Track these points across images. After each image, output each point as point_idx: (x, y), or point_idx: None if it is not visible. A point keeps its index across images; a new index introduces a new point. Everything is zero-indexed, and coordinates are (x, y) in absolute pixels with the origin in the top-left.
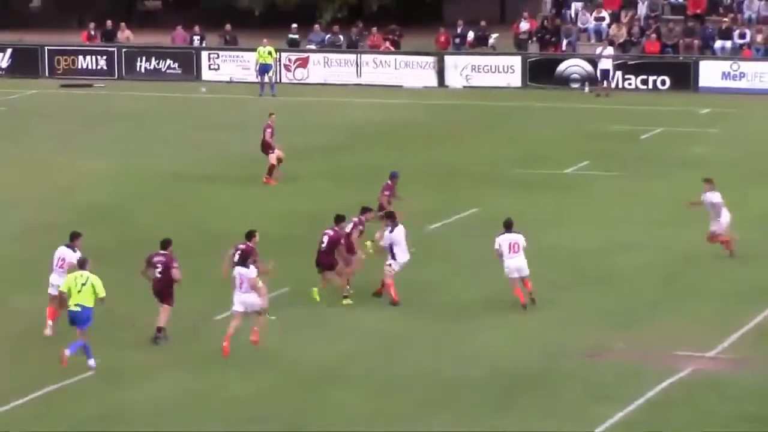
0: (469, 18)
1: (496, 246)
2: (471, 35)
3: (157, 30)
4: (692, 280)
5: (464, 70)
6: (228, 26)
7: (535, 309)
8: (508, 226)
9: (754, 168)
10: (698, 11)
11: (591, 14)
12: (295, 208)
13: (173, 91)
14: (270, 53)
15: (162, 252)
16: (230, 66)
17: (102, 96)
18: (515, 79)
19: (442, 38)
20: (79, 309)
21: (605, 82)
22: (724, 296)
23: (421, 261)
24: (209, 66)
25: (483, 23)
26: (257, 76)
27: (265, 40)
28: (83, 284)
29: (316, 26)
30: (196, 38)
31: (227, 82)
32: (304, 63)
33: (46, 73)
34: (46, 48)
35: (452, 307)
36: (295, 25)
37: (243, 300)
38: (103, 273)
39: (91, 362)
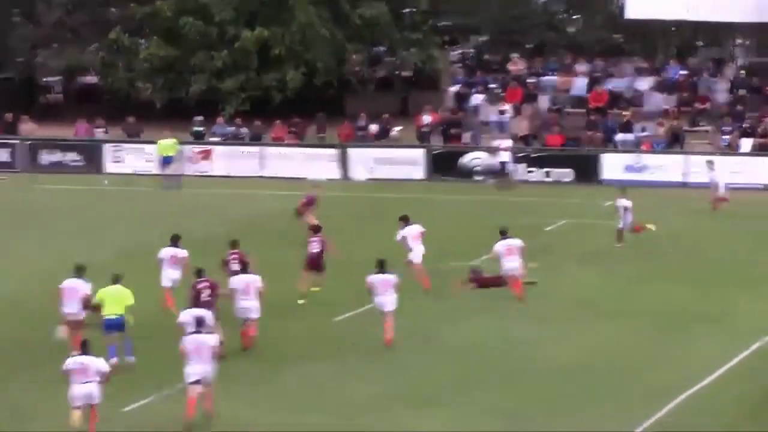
0: (372, 111)
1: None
2: (374, 128)
3: (60, 122)
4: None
5: (368, 162)
6: (131, 118)
7: None
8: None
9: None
10: (600, 105)
11: (493, 107)
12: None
13: (77, 183)
14: (172, 146)
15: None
16: (133, 158)
17: (3, 188)
18: (419, 172)
19: (346, 130)
20: (117, 316)
21: (505, 174)
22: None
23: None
24: (113, 158)
25: (385, 116)
26: (160, 169)
27: (166, 132)
28: (116, 295)
29: (220, 119)
30: (99, 130)
31: (104, 184)
32: (207, 155)
33: None
34: None
35: None
36: (199, 117)
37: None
38: None
39: (131, 359)
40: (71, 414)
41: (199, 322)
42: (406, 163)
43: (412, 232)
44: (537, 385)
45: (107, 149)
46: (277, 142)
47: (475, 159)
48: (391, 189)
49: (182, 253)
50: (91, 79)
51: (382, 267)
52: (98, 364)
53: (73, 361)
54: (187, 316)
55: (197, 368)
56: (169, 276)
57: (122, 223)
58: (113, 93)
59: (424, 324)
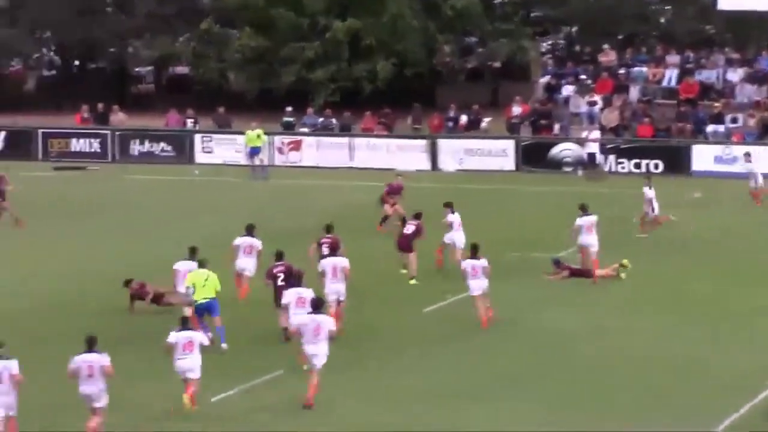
0: (462, 102)
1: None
2: (464, 119)
3: (151, 113)
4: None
5: (457, 153)
6: (221, 109)
7: None
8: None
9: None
10: (690, 96)
11: (583, 98)
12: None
13: (166, 173)
14: (259, 136)
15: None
16: (223, 149)
17: (94, 178)
18: (508, 163)
19: (435, 121)
20: (209, 300)
21: (595, 166)
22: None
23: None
24: (202, 149)
25: (475, 107)
26: (247, 160)
27: (253, 123)
28: (206, 280)
29: (310, 110)
30: (190, 121)
31: (220, 163)
32: (297, 146)
33: (40, 156)
34: (39, 131)
35: None
36: (289, 108)
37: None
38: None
39: (224, 346)
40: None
41: (316, 304)
42: (496, 154)
43: (457, 219)
44: (618, 377)
45: (197, 140)
46: (367, 133)
47: (564, 150)
48: (481, 180)
49: (257, 243)
50: (182, 69)
51: (475, 252)
52: (201, 338)
53: (177, 336)
54: (293, 295)
55: (313, 348)
56: (243, 265)
57: (210, 213)
58: (204, 83)
59: (509, 312)
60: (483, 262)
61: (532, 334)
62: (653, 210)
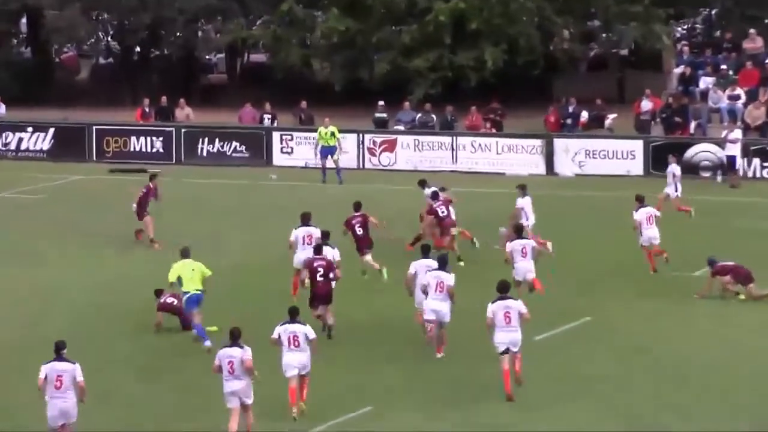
0: (583, 96)
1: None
2: (584, 115)
3: (222, 107)
4: None
5: (577, 155)
6: (304, 103)
7: None
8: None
9: None
10: None
11: (724, 92)
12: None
13: (239, 177)
14: (333, 134)
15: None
16: (305, 149)
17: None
18: (636, 166)
19: (552, 118)
20: (199, 292)
21: (735, 170)
22: None
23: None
24: (281, 149)
25: (598, 102)
26: (318, 161)
27: (326, 119)
28: (192, 270)
29: (406, 104)
30: (267, 117)
31: (302, 167)
32: (390, 146)
33: (94, 157)
34: (93, 127)
35: None
36: (382, 102)
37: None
38: None
39: (208, 344)
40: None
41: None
42: (622, 156)
43: (647, 212)
44: None
45: (276, 138)
46: (473, 131)
47: (702, 152)
48: (604, 186)
49: (316, 231)
50: (259, 57)
51: (519, 233)
52: (307, 331)
53: (284, 329)
54: (432, 279)
55: (503, 336)
56: (300, 258)
57: (283, 221)
58: (284, 73)
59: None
60: (531, 242)
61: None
62: (679, 188)
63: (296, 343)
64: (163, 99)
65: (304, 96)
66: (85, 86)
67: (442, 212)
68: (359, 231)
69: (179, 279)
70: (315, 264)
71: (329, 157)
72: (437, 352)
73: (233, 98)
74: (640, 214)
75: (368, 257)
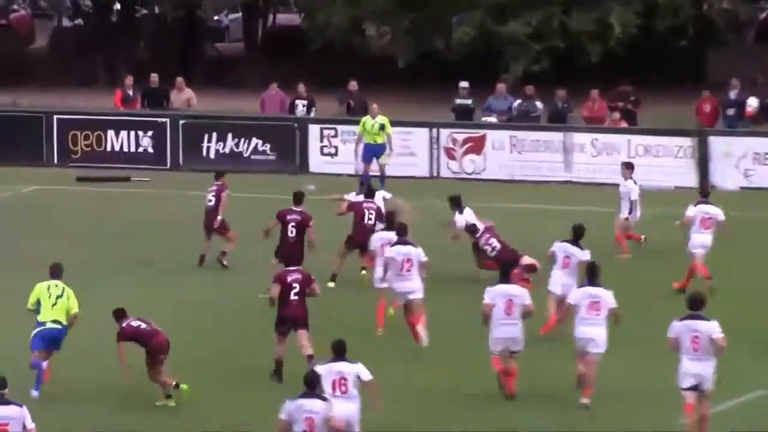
0: (749, 76)
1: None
2: (753, 103)
3: (238, 90)
4: None
5: (742, 160)
6: (353, 84)
7: None
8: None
9: None
10: None
11: None
12: None
13: (259, 189)
14: (382, 127)
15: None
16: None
17: (141, 197)
18: None
19: (706, 107)
20: (59, 327)
21: None
22: None
23: None
24: (321, 149)
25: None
26: (359, 162)
27: (374, 106)
28: (58, 296)
29: (500, 86)
30: (301, 104)
31: (351, 174)
32: (477, 145)
33: (55, 158)
34: (54, 117)
35: None
36: (464, 84)
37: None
38: None
39: (35, 393)
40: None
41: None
42: None
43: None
44: None
45: (313, 133)
46: (594, 124)
47: None
48: None
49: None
50: (290, 18)
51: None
52: (359, 370)
53: (328, 370)
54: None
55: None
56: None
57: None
58: (325, 42)
59: None
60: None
61: None
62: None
63: (343, 389)
64: (154, 77)
65: (353, 74)
66: (43, 58)
67: (492, 249)
68: (292, 233)
69: (38, 304)
70: (289, 278)
71: (374, 160)
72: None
73: (253, 77)
74: (695, 211)
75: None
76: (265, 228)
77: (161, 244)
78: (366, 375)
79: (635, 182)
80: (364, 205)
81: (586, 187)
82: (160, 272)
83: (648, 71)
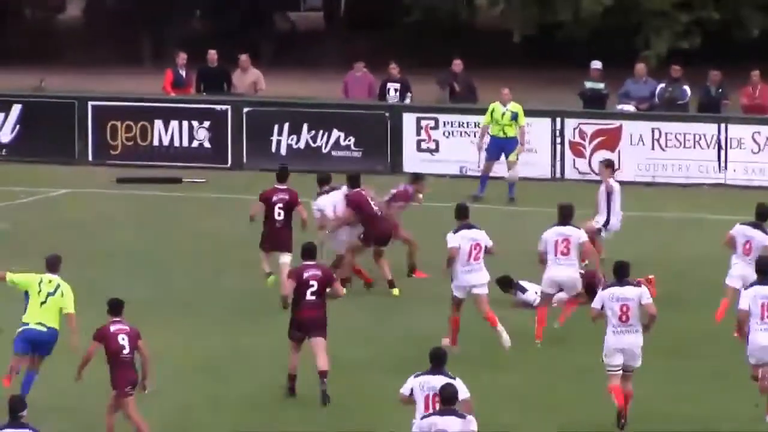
0: None
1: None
2: None
3: (316, 70)
4: None
5: None
6: (457, 63)
7: None
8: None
9: None
10: None
11: None
12: None
13: None
14: (515, 116)
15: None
16: (459, 142)
17: (198, 204)
18: None
19: None
20: (43, 329)
21: None
22: None
23: None
24: (418, 143)
25: None
26: (481, 161)
27: (506, 91)
28: (50, 294)
29: (639, 66)
30: (393, 88)
31: (455, 175)
32: (612, 139)
33: (90, 155)
34: (89, 103)
35: None
36: (597, 65)
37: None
38: None
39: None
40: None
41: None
42: None
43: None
44: None
45: (409, 124)
46: (755, 114)
47: None
48: None
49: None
50: None
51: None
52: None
53: (420, 384)
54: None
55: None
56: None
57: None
58: (421, 12)
59: None
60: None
61: None
62: None
63: (436, 405)
64: (212, 55)
65: (458, 52)
66: (76, 31)
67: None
68: (279, 215)
69: (26, 298)
70: (305, 275)
71: (502, 156)
72: None
73: (334, 55)
74: (740, 231)
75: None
76: (251, 213)
77: (229, 269)
78: (464, 392)
79: (614, 183)
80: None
81: (743, 191)
82: (234, 313)
83: None
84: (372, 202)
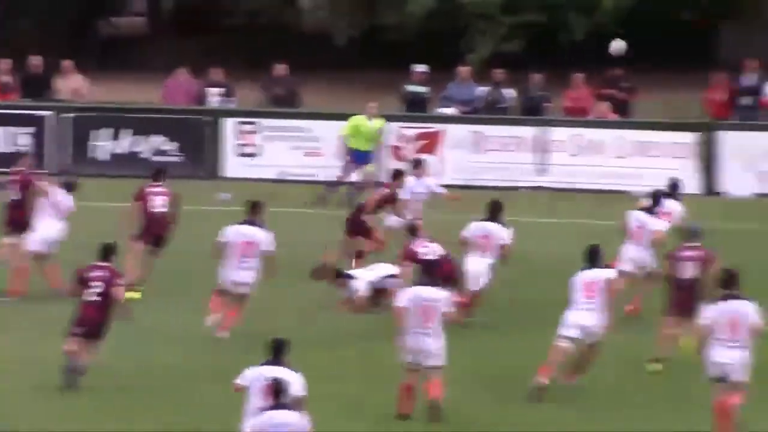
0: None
1: None
2: None
3: (139, 75)
4: None
5: (760, 160)
6: (280, 67)
7: None
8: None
9: None
10: None
11: None
12: None
13: None
14: (379, 130)
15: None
16: (280, 147)
17: None
18: None
19: (717, 95)
20: None
21: None
22: None
23: None
24: (239, 148)
25: None
26: (343, 170)
27: (372, 105)
28: None
29: (462, 69)
30: (216, 92)
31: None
32: (432, 142)
33: None
34: None
35: None
36: (421, 68)
37: None
38: None
39: None
40: None
41: None
42: None
43: None
44: None
45: (229, 129)
46: (577, 117)
47: None
48: None
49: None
50: None
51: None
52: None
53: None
54: None
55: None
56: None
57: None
58: (247, 16)
59: None
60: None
61: None
62: None
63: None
64: (35, 61)
65: (281, 56)
66: None
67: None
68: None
69: None
70: (88, 275)
71: (363, 166)
72: None
73: (158, 60)
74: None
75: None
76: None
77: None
78: (299, 389)
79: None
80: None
81: (563, 194)
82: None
83: (646, 52)
84: (155, 201)
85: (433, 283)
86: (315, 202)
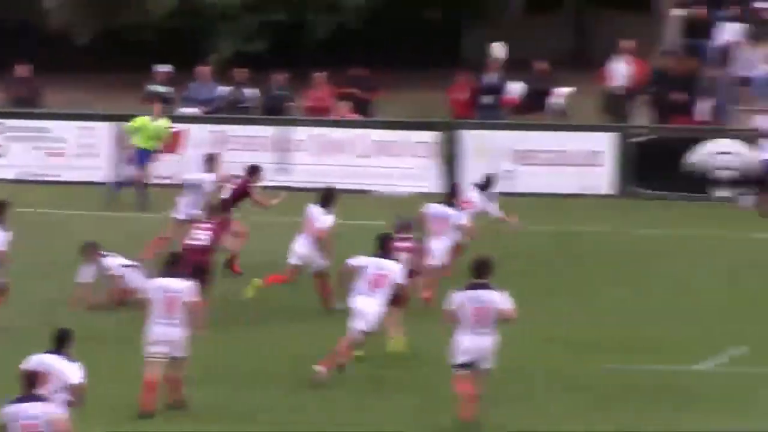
0: (516, 55)
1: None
2: (515, 89)
3: None
4: None
5: (502, 159)
6: (21, 68)
7: None
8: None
9: None
10: None
11: (759, 49)
12: None
13: None
14: (166, 129)
15: None
16: (25, 148)
17: None
18: (599, 179)
19: (460, 94)
20: None
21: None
22: None
23: None
24: None
25: (541, 64)
26: (125, 171)
27: (158, 106)
28: None
29: (201, 69)
30: None
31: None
32: (175, 140)
33: None
34: None
35: None
36: (164, 68)
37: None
38: None
39: None
40: None
41: None
42: (577, 160)
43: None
44: None
45: None
46: (320, 117)
47: (719, 154)
48: (544, 212)
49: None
50: None
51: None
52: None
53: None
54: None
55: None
56: None
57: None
58: None
59: None
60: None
61: None
62: None
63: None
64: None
65: (24, 56)
66: None
67: None
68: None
69: None
70: None
71: (145, 165)
72: None
73: None
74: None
75: None
76: None
77: None
78: (74, 378)
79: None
80: None
81: (305, 194)
82: None
83: (392, 51)
84: None
85: (178, 275)
86: (105, 204)
